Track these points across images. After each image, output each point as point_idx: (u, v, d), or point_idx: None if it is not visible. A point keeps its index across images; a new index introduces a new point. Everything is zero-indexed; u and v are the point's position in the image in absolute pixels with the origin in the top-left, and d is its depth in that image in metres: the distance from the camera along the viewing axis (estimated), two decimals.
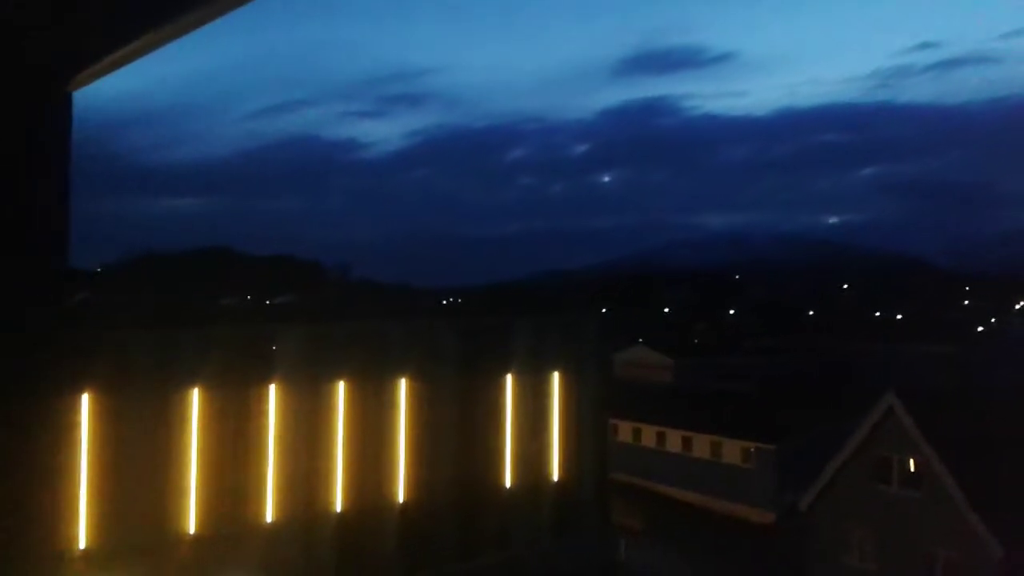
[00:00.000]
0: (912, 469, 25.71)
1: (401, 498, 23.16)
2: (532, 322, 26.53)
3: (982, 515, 22.97)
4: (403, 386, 23.25)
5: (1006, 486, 23.87)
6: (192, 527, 20.25)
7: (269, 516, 21.41)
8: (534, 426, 25.43)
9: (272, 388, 21.51)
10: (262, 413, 21.35)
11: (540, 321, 26.96)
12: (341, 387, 22.37)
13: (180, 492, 20.10)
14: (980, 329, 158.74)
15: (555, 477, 25.65)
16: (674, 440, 46.32)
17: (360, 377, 22.57)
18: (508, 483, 24.86)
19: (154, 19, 1.89)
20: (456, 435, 23.96)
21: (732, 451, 43.15)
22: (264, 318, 30.16)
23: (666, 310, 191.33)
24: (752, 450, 42.06)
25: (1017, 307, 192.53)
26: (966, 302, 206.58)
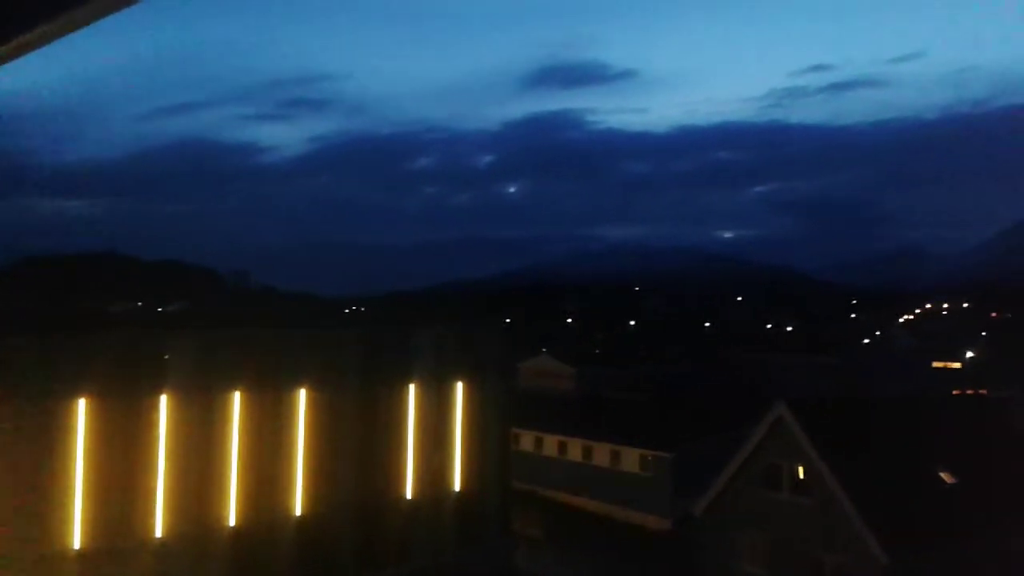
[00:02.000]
0: (801, 476, 26.62)
1: (298, 511, 22.67)
2: (435, 332, 26.42)
3: (867, 521, 23.93)
4: (302, 396, 22.80)
5: (890, 493, 24.96)
6: (77, 543, 19.33)
7: (159, 531, 20.66)
8: (437, 436, 25.29)
9: (164, 398, 20.79)
10: (153, 424, 20.60)
11: (443, 331, 26.86)
12: (237, 397, 21.78)
13: (64, 506, 19.18)
14: (865, 341, 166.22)
15: (457, 487, 25.55)
16: (575, 449, 46.79)
17: (257, 387, 22.02)
18: (409, 494, 24.64)
19: (46, 12, 1.79)
20: (357, 446, 23.63)
21: (631, 459, 43.86)
22: (156, 325, 29.12)
23: (569, 320, 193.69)
24: (650, 458, 42.85)
25: (900, 320, 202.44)
26: (852, 315, 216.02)
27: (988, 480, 26.40)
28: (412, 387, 24.74)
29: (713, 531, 29.30)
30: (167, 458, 20.72)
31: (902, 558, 23.27)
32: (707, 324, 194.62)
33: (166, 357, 21.28)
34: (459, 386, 25.63)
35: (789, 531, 26.64)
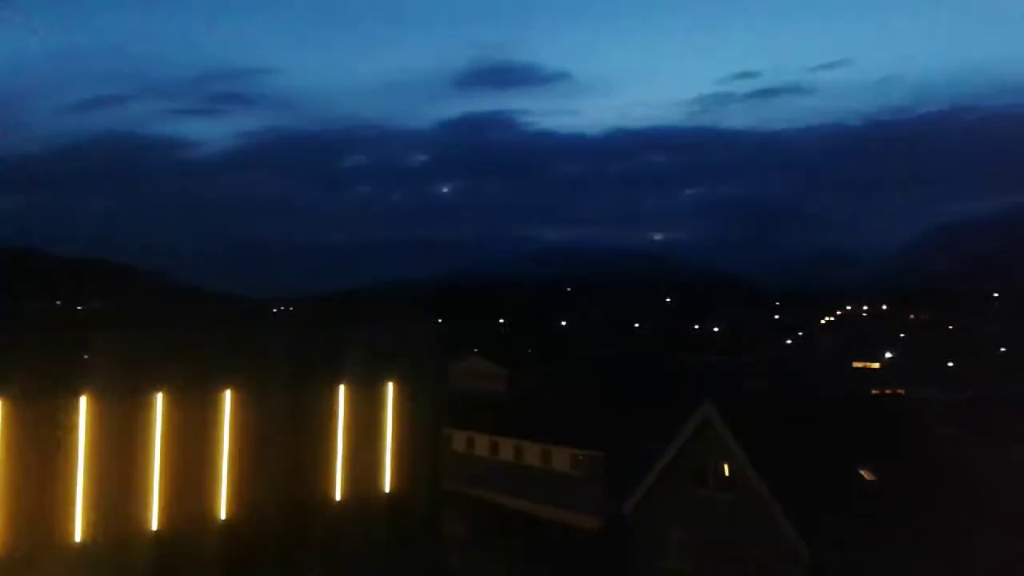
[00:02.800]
0: (727, 474, 27.14)
1: (223, 514, 22.25)
2: (367, 332, 26.18)
3: (791, 518, 24.53)
4: (228, 398, 22.37)
5: (812, 490, 25.62)
6: None
7: (78, 535, 20.08)
8: (367, 437, 25.08)
9: (83, 400, 20.19)
10: (72, 426, 20.00)
11: (375, 331, 26.63)
12: (159, 399, 21.27)
13: None
14: (789, 342, 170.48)
15: (387, 489, 25.38)
16: (506, 449, 46.90)
17: (181, 388, 21.54)
18: (338, 496, 24.38)
19: None
20: (285, 448, 23.29)
21: (562, 459, 44.15)
22: (75, 324, 28.21)
23: (501, 321, 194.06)
24: (580, 457, 43.19)
25: (822, 321, 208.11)
26: (777, 317, 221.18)
27: (905, 477, 27.31)
28: (342, 388, 24.48)
29: (642, 529, 29.67)
30: (87, 461, 20.16)
31: (823, 553, 23.91)
32: (638, 324, 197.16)
33: (86, 357, 20.67)
34: (390, 387, 25.46)
35: (715, 528, 27.13)
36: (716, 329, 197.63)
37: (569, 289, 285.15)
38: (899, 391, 57.53)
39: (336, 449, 24.37)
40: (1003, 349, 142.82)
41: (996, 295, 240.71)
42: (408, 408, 25.69)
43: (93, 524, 20.24)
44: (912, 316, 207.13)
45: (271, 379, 23.09)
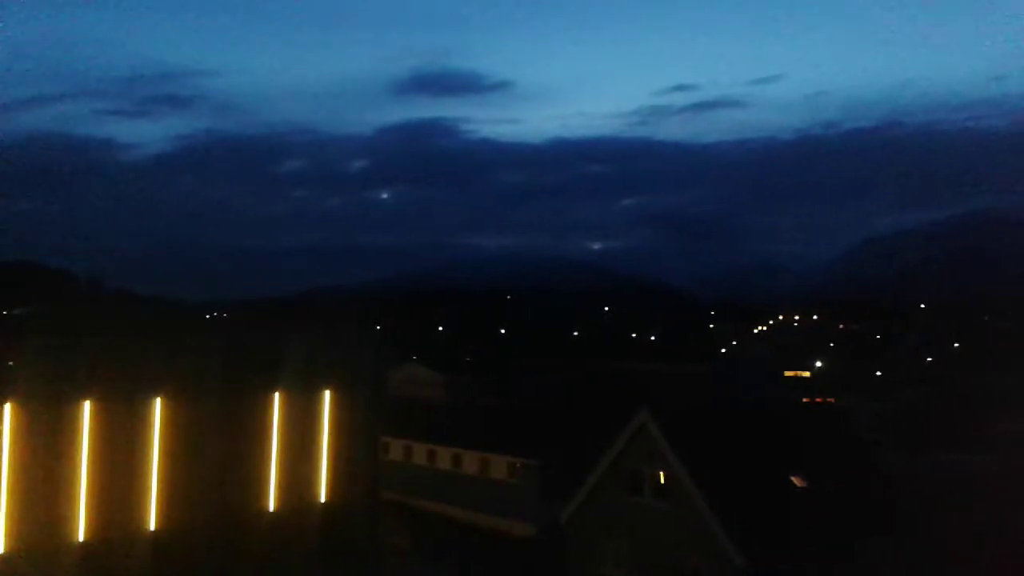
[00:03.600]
0: (662, 481, 27.48)
1: (153, 525, 21.71)
2: (303, 339, 25.81)
3: (723, 523, 24.93)
4: (158, 406, 21.84)
5: (745, 497, 26.09)
6: None
7: (1, 547, 19.41)
8: (303, 447, 24.71)
9: (7, 408, 19.53)
10: None
11: (312, 338, 26.28)
12: (87, 407, 20.67)
13: None
14: (724, 350, 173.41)
15: (323, 499, 25.05)
16: (444, 457, 46.72)
17: (109, 396, 20.96)
18: (272, 506, 23.98)
19: None
20: (218, 458, 22.81)
21: (499, 467, 44.16)
22: (1, 330, 27.31)
23: (440, 328, 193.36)
24: (518, 465, 43.26)
25: (755, 331, 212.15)
26: (711, 326, 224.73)
27: (834, 484, 27.99)
28: (277, 395, 24.10)
29: (578, 537, 29.83)
30: (10, 470, 19.51)
31: (756, 559, 24.34)
32: (576, 333, 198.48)
33: (10, 364, 20.02)
34: (327, 394, 25.16)
35: (650, 535, 27.43)
36: (652, 338, 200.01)
37: (509, 297, 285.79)
38: (829, 399, 58.95)
39: (270, 458, 23.96)
40: (929, 359, 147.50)
41: (923, 305, 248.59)
42: (345, 416, 25.39)
43: (17, 535, 19.60)
44: (842, 326, 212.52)
45: (203, 387, 22.61)
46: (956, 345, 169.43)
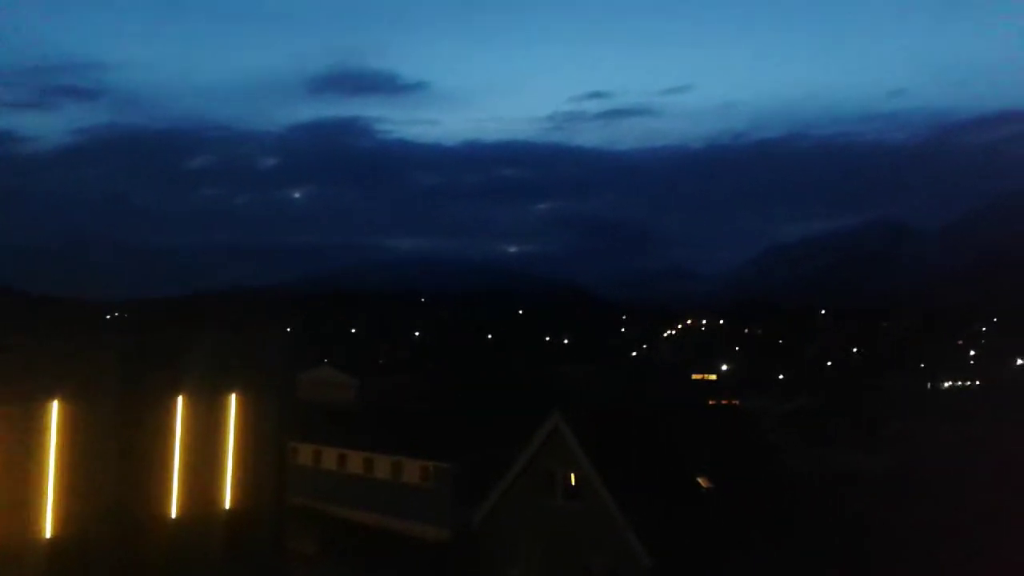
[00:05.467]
0: (573, 483, 27.70)
1: (49, 532, 20.79)
2: (209, 340, 25.12)
3: (633, 525, 25.27)
4: (55, 410, 20.92)
5: (653, 498, 26.51)
6: None
7: None
8: (207, 451, 24.03)
9: None
10: None
11: (218, 339, 25.60)
12: None
13: None
14: (634, 354, 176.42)
15: (227, 505, 24.41)
16: (355, 461, 46.09)
17: (3, 400, 19.99)
18: (175, 513, 23.24)
19: None
20: (117, 463, 21.98)
21: (412, 471, 43.81)
22: None
23: (353, 330, 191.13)
24: (430, 469, 43.00)
25: (664, 335, 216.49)
26: (623, 329, 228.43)
27: (739, 485, 28.69)
28: (180, 399, 23.38)
29: (490, 540, 29.81)
30: None
31: (663, 560, 24.75)
32: (490, 335, 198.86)
33: None
34: (233, 398, 24.54)
35: (562, 536, 27.60)
36: (566, 340, 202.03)
37: (423, 299, 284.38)
38: (734, 401, 60.56)
39: (173, 463, 23.22)
40: (829, 363, 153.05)
41: (823, 311, 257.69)
42: (252, 420, 24.81)
43: None
44: (747, 330, 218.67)
45: (102, 389, 21.77)
46: (855, 350, 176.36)
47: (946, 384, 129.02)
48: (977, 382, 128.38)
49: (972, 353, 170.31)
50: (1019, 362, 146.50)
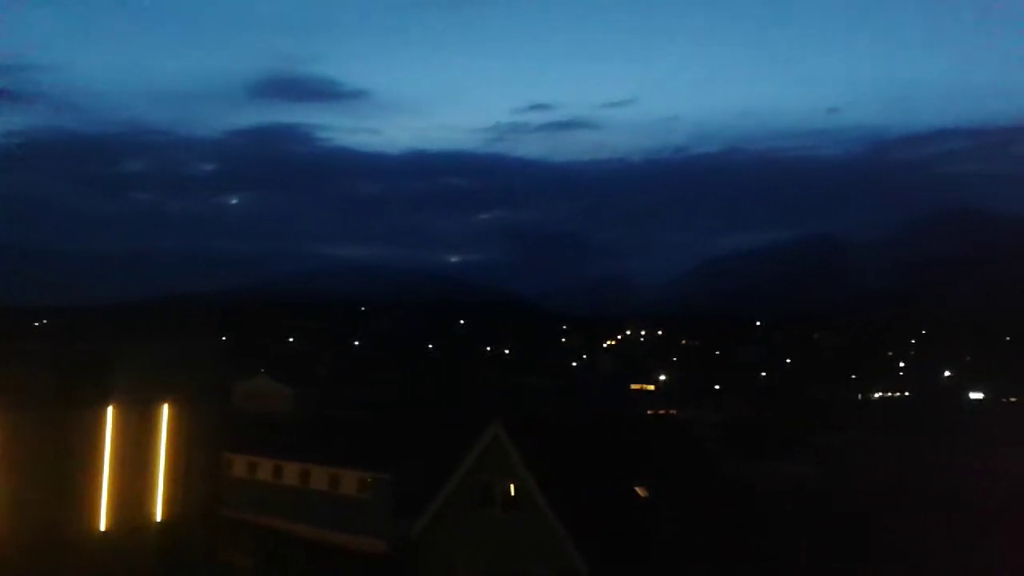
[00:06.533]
0: (512, 493, 27.72)
1: None
2: (141, 349, 24.57)
3: (571, 534, 25.38)
4: None
5: (592, 507, 26.68)
6: None
7: None
8: (138, 463, 23.46)
9: None
10: None
11: (151, 348, 25.05)
12: None
13: None
14: (575, 364, 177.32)
15: (159, 518, 23.86)
16: (292, 473, 45.41)
17: None
18: (104, 526, 22.62)
19: None
20: (44, 474, 21.34)
21: (349, 482, 43.31)
22: None
23: (291, 339, 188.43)
24: (368, 480, 42.59)
25: (604, 345, 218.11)
26: (563, 339, 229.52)
27: (676, 494, 29.04)
28: (111, 409, 22.79)
29: (429, 551, 29.64)
30: None
31: (602, 569, 24.91)
32: (431, 345, 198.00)
33: None
34: (165, 408, 24.01)
35: (502, 547, 27.59)
36: (507, 350, 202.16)
37: (363, 308, 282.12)
38: (671, 411, 61.31)
39: (102, 475, 22.61)
40: (764, 373, 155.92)
41: (759, 323, 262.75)
42: (185, 431, 24.31)
43: None
44: (684, 340, 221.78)
45: (29, 398, 21.11)
46: (788, 361, 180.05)
47: (876, 395, 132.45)
48: (906, 393, 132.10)
49: (902, 364, 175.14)
50: (947, 373, 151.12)
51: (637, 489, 28.39)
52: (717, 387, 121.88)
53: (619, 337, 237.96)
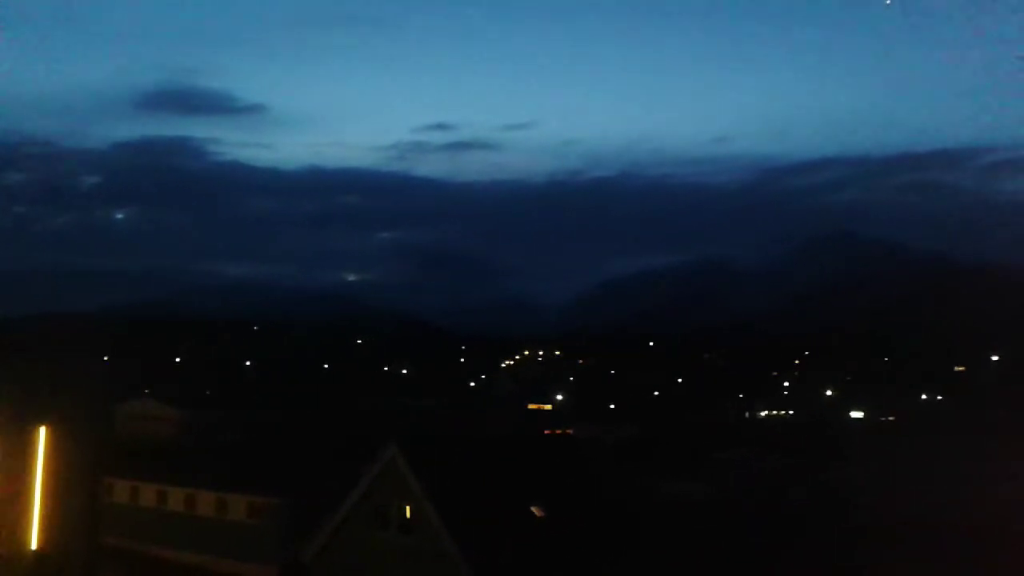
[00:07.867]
0: (408, 515, 27.47)
1: None
2: (16, 370, 23.42)
3: (466, 556, 25.30)
4: None
5: (488, 528, 26.67)
6: None
7: None
8: (12, 488, 22.28)
9: None
10: None
11: (26, 368, 23.91)
12: None
13: None
14: (472, 384, 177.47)
15: (34, 546, 22.65)
16: (176, 498, 43.81)
17: None
18: None
19: None
20: None
21: (238, 507, 42.08)
22: None
23: (177, 360, 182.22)
24: (258, 505, 41.47)
25: (502, 365, 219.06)
26: (462, 360, 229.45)
27: (571, 514, 29.32)
28: None
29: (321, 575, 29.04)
30: None
31: None
32: (327, 366, 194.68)
33: None
34: (42, 431, 22.88)
35: (396, 570, 27.27)
36: (404, 371, 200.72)
37: (256, 327, 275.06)
38: (568, 431, 61.96)
39: None
40: (656, 393, 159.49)
41: (652, 343, 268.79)
42: (62, 455, 23.19)
43: None
44: (581, 361, 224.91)
45: None
46: (679, 380, 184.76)
47: (762, 413, 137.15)
48: (791, 412, 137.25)
49: (786, 384, 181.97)
50: (828, 392, 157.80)
51: (534, 509, 28.55)
52: (612, 406, 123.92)
53: (517, 357, 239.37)
